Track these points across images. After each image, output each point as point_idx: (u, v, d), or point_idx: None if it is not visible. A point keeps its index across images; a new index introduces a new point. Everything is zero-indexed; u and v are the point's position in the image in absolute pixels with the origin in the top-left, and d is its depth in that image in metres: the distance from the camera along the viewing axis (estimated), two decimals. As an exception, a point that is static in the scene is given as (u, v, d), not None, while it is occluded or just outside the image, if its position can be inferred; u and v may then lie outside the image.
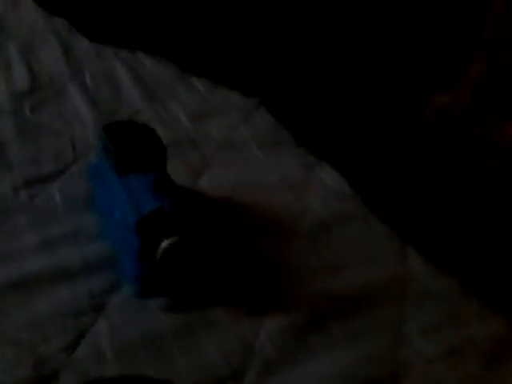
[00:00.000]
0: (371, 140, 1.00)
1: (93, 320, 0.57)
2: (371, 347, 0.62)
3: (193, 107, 0.98)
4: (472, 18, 1.05)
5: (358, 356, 0.61)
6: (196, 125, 0.94)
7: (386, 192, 0.90)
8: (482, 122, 1.01)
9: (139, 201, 0.59)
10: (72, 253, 0.63)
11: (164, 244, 0.57)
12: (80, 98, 0.90)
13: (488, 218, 0.88)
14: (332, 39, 1.16)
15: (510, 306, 0.70)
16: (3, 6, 1.10)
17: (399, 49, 1.12)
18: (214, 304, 0.62)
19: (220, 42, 1.16)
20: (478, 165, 0.99)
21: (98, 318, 0.57)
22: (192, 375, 0.54)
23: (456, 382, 0.60)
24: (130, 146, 0.63)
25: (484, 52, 1.03)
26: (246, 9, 1.19)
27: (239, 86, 1.08)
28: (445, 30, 1.09)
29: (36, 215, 0.66)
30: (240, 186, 0.82)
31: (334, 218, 0.82)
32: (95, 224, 0.67)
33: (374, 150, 0.98)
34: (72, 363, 0.52)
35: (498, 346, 0.65)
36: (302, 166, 0.92)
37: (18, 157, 0.74)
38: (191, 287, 0.62)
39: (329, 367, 0.58)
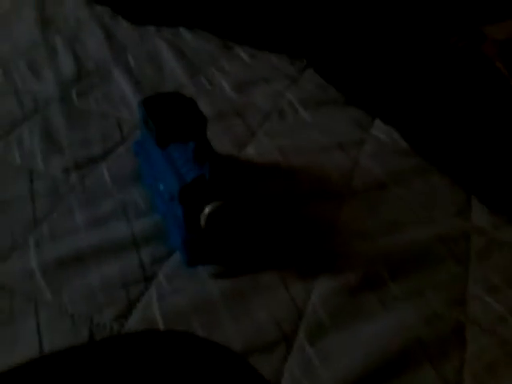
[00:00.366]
0: (425, 91, 0.93)
1: (143, 290, 0.57)
2: (434, 305, 0.59)
3: (237, 77, 0.97)
4: None
5: (420, 315, 0.57)
6: (240, 94, 0.92)
7: (444, 144, 0.84)
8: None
9: (180, 170, 0.58)
10: (122, 227, 0.64)
11: (207, 210, 0.56)
12: (124, 80, 0.91)
13: None
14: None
15: None
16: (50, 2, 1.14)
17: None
18: (263, 269, 0.60)
19: (260, 6, 1.13)
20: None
21: (149, 288, 0.57)
22: (242, 340, 0.53)
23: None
24: (168, 117, 0.63)
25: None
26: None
27: (284, 49, 1.05)
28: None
29: (86, 194, 0.68)
30: (288, 151, 0.80)
31: (391, 176, 0.78)
32: (143, 198, 0.68)
33: (428, 101, 0.92)
34: (125, 332, 0.53)
35: None
36: (353, 125, 0.88)
37: (68, 140, 0.76)
38: (240, 253, 0.61)
39: (387, 327, 0.56)
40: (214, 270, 0.60)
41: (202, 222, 0.57)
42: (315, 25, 1.09)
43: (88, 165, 0.73)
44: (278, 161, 0.78)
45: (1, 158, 0.72)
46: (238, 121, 0.86)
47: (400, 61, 1.00)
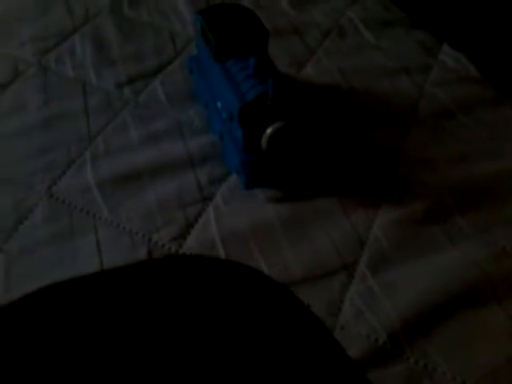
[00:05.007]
0: (500, 13, 0.85)
1: (201, 210, 0.56)
2: (503, 242, 0.56)
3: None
4: None
5: (488, 251, 0.55)
6: (299, 11, 0.86)
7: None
8: None
9: (241, 87, 0.55)
10: (178, 146, 0.62)
11: (269, 131, 0.53)
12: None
13: None
14: None
15: None
16: None
17: None
18: (324, 195, 0.58)
19: None
20: None
21: (206, 209, 0.56)
22: (301, 266, 0.52)
23: None
24: (228, 29, 0.59)
25: None
26: None
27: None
28: None
29: (140, 110, 0.66)
30: (350, 72, 0.75)
31: (459, 105, 0.73)
32: (199, 117, 0.65)
33: (504, 25, 0.84)
34: (182, 252, 0.52)
35: None
36: (419, 49, 0.82)
37: (119, 54, 0.73)
38: (300, 177, 0.59)
39: (454, 262, 0.53)
40: (272, 194, 0.58)
41: (264, 143, 0.54)
42: None
43: (142, 80, 0.70)
44: (339, 82, 0.74)
45: (54, 70, 0.70)
46: (295, 38, 0.80)
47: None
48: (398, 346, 0.47)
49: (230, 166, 0.59)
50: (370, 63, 0.78)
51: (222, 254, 0.52)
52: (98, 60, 0.72)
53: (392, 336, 0.47)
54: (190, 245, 0.53)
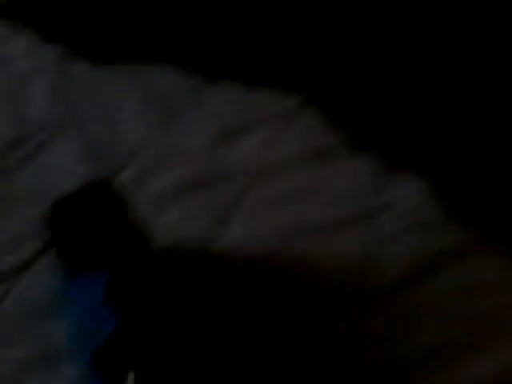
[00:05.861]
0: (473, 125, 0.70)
1: None
2: None
3: (218, 123, 0.74)
4: None
5: None
6: (222, 149, 0.70)
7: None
8: None
9: (87, 322, 0.37)
10: None
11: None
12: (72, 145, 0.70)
13: None
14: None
15: None
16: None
17: None
18: None
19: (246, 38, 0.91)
20: None
21: None
22: None
23: None
24: (77, 233, 0.42)
25: None
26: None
27: (278, 84, 0.84)
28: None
29: None
30: (287, 233, 0.58)
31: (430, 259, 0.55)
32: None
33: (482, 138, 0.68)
34: None
35: None
36: (367, 184, 0.65)
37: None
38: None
39: None
40: None
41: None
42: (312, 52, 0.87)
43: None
44: (273, 243, 0.56)
45: None
46: (218, 185, 0.64)
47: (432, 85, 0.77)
48: None
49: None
50: (311, 212, 0.61)
51: None
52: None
53: None
54: None
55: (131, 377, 0.36)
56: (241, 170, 0.67)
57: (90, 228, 0.42)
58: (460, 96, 0.74)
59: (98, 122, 0.75)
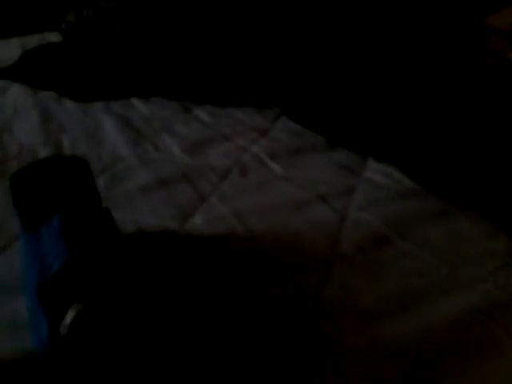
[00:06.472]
0: (428, 113, 0.72)
1: None
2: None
3: (191, 138, 0.78)
4: None
5: None
6: (193, 157, 0.73)
7: (466, 176, 0.61)
8: None
9: (45, 260, 0.37)
10: None
11: (68, 317, 0.34)
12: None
13: None
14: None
15: None
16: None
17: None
18: None
19: (224, 58, 0.96)
20: None
21: None
22: None
23: None
24: (36, 193, 0.43)
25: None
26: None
27: (252, 101, 0.87)
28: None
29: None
30: (250, 214, 0.59)
31: (394, 227, 0.55)
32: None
33: (434, 125, 0.70)
34: None
35: None
36: (339, 171, 0.67)
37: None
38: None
39: None
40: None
41: (62, 331, 0.35)
42: (288, 66, 0.91)
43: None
44: (234, 228, 0.57)
45: None
46: (184, 186, 0.66)
47: (394, 82, 0.80)
48: None
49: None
50: (278, 197, 0.62)
51: None
52: None
53: None
54: None
55: (71, 313, 0.35)
56: (212, 169, 0.69)
57: (46, 184, 0.43)
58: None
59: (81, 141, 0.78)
